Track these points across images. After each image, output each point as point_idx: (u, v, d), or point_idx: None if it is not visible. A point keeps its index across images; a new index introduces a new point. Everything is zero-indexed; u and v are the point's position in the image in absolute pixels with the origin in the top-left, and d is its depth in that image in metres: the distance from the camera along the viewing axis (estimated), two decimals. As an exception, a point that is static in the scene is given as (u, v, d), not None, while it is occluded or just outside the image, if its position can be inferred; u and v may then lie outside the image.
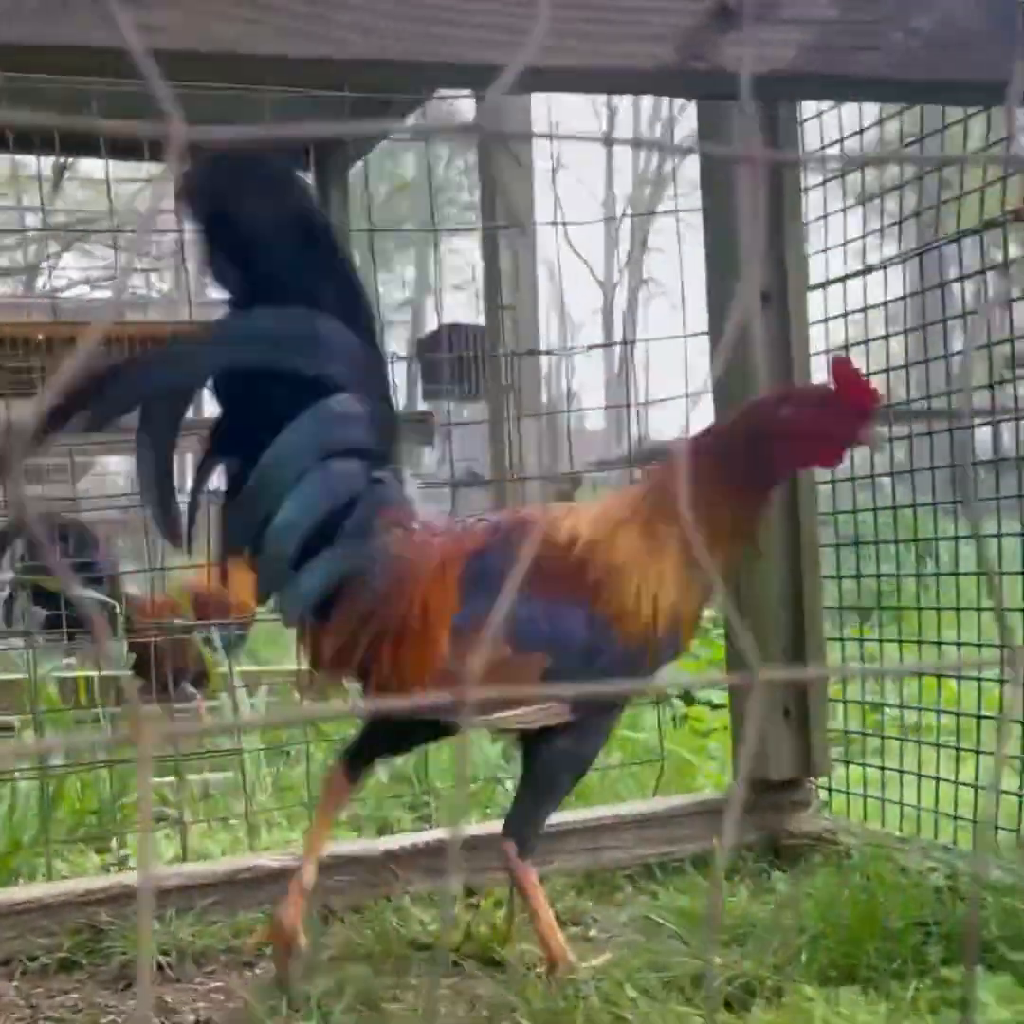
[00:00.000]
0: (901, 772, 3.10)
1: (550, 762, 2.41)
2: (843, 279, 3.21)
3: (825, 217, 3.30)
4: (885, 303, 3.15)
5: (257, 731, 4.28)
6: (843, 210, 3.28)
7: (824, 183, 3.28)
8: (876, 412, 2.41)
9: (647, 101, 31.76)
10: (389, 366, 2.68)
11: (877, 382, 2.73)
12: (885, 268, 3.13)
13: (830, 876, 2.75)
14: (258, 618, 4.88)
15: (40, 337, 6.41)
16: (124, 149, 5.35)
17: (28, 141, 5.01)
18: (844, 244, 3.25)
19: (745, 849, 3.09)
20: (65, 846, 3.36)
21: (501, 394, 5.02)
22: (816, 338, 3.22)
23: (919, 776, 3.02)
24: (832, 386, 2.40)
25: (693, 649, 4.48)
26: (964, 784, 2.88)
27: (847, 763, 3.33)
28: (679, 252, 3.70)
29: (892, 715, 3.66)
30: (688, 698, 4.78)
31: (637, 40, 1.99)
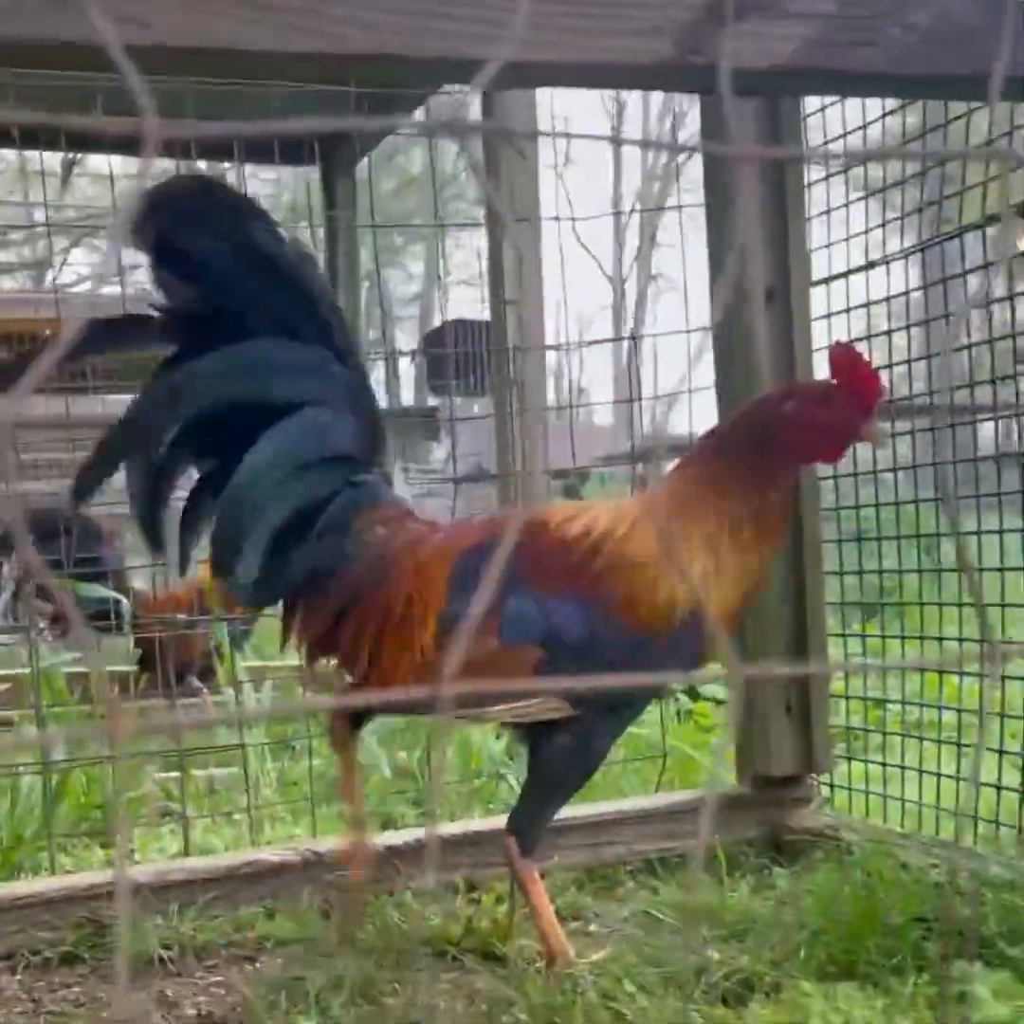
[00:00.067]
0: (903, 768, 3.10)
1: (552, 759, 2.40)
2: (846, 275, 3.21)
3: (828, 212, 3.29)
4: (888, 298, 3.14)
5: (262, 726, 4.29)
6: (846, 205, 3.27)
7: (827, 178, 3.27)
8: (879, 407, 2.40)
9: (656, 96, 31.75)
10: (386, 372, 2.71)
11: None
12: (888, 263, 3.12)
13: (831, 872, 2.75)
14: (263, 614, 4.89)
15: (47, 333, 6.42)
16: (130, 144, 5.35)
17: (34, 137, 5.01)
18: (847, 239, 3.24)
19: (746, 845, 3.10)
20: (69, 840, 3.37)
21: (506, 389, 5.01)
22: (820, 334, 3.22)
23: (921, 772, 3.02)
24: (833, 377, 2.39)
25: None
26: (966, 780, 2.88)
27: (849, 759, 3.33)
28: (682, 248, 3.70)
29: (895, 711, 3.66)
30: (693, 694, 4.78)
31: (634, 35, 1.99)
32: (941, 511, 3.30)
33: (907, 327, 3.14)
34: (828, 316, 3.23)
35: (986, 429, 3.07)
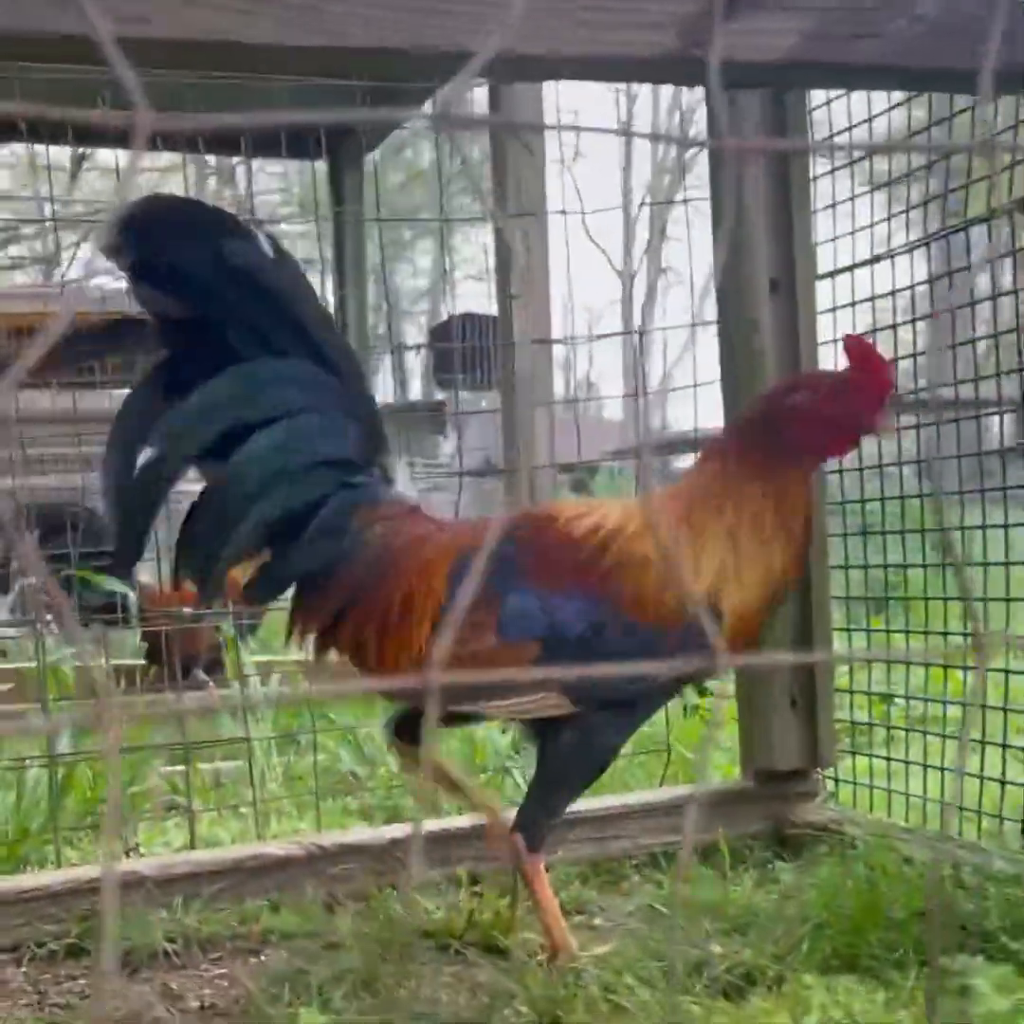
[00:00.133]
0: (907, 763, 3.10)
1: (557, 756, 2.40)
2: (852, 268, 3.20)
3: (834, 205, 3.29)
4: (894, 292, 3.13)
5: (268, 720, 4.30)
6: (852, 199, 3.26)
7: (833, 172, 3.26)
8: (890, 398, 2.38)
9: (666, 90, 31.69)
10: (392, 366, 2.73)
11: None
12: (893, 257, 3.12)
13: (834, 866, 2.75)
14: (270, 608, 4.90)
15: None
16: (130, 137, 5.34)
17: (41, 130, 5.02)
18: (853, 233, 3.23)
19: (750, 839, 3.10)
20: (75, 833, 3.38)
21: (512, 383, 5.00)
22: (826, 327, 3.21)
23: (925, 767, 3.02)
24: (847, 368, 2.37)
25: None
26: (970, 775, 2.88)
27: (854, 753, 3.33)
28: (689, 239, 3.69)
29: (900, 706, 3.65)
30: (700, 688, 4.78)
31: (636, 27, 1.99)
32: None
33: (913, 321, 3.13)
34: (833, 310, 3.22)
35: (993, 423, 3.06)
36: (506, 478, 5.32)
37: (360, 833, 3.09)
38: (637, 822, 3.12)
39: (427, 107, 5.08)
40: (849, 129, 3.23)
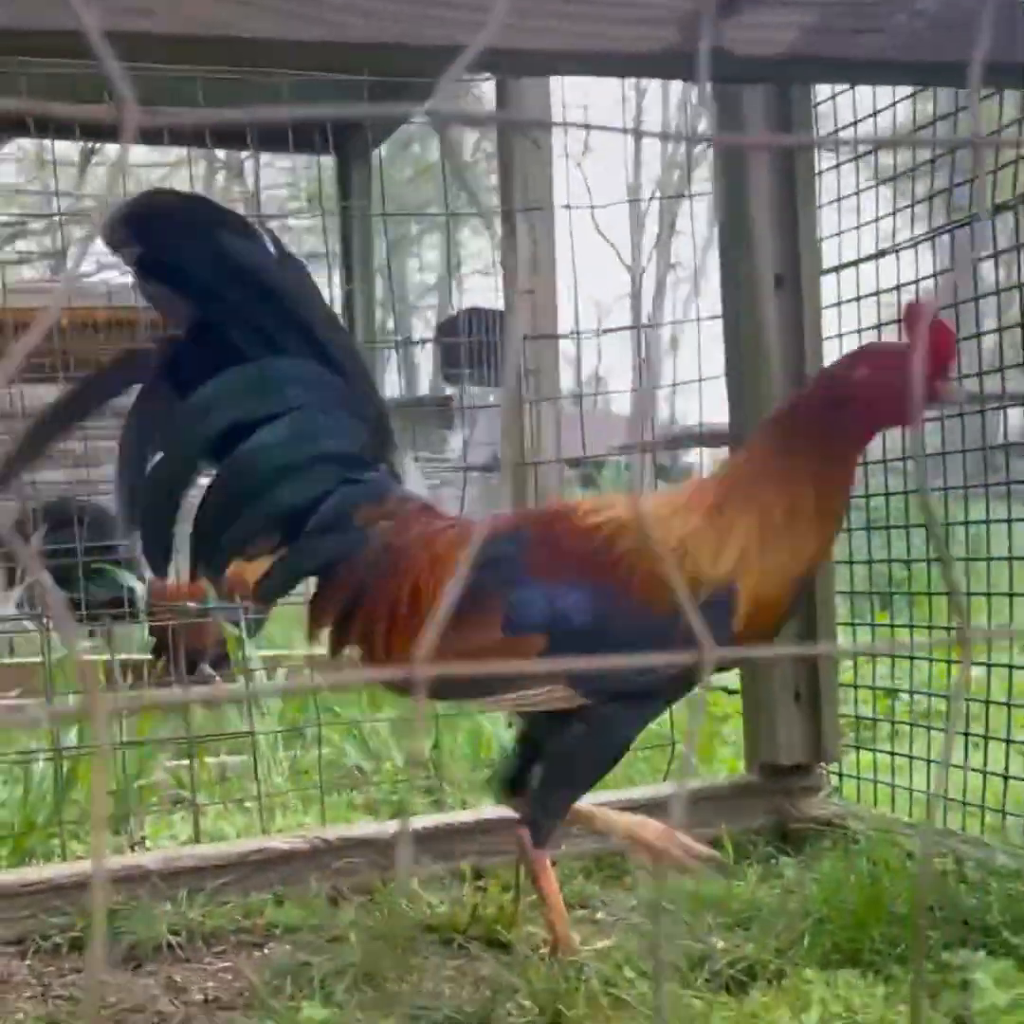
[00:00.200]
0: (911, 758, 3.09)
1: (565, 751, 2.39)
2: (857, 263, 3.20)
3: (840, 200, 3.28)
4: (899, 287, 3.13)
5: (274, 714, 4.31)
6: (857, 193, 3.26)
7: (838, 166, 3.26)
8: (954, 365, 2.34)
9: (676, 83, 31.58)
10: (398, 361, 2.72)
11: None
12: (898, 251, 3.11)
13: (837, 861, 2.75)
14: (277, 603, 4.90)
15: (64, 322, 6.43)
16: (145, 133, 5.36)
17: (49, 126, 5.02)
18: (858, 228, 3.23)
19: (754, 833, 3.10)
20: (80, 827, 3.39)
21: (518, 378, 5.00)
22: (831, 322, 3.21)
23: (928, 761, 3.01)
24: (907, 337, 2.33)
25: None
26: (974, 769, 2.88)
27: (858, 748, 3.32)
28: (693, 233, 3.69)
29: (906, 701, 3.65)
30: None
31: (637, 23, 1.98)
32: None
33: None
34: (838, 305, 3.22)
35: (997, 417, 3.05)
36: (511, 473, 5.31)
37: (364, 827, 3.10)
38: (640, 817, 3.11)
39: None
40: (854, 124, 3.22)
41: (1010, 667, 2.89)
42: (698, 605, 2.17)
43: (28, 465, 2.41)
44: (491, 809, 3.23)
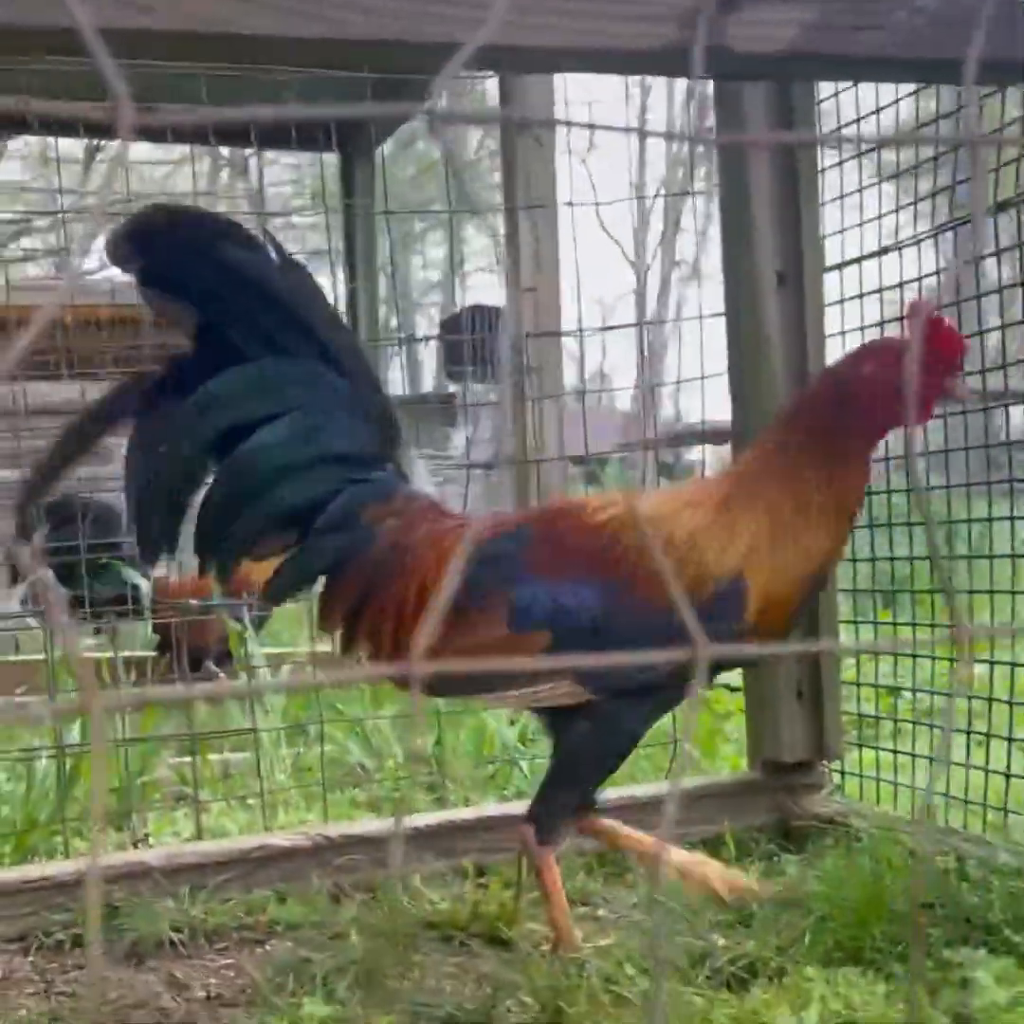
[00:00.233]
0: (913, 756, 3.09)
1: (571, 748, 2.39)
2: (859, 260, 3.19)
3: (842, 197, 3.28)
4: (901, 284, 3.13)
5: (277, 711, 4.31)
6: (860, 191, 3.26)
7: (841, 163, 3.26)
8: (963, 361, 2.32)
9: (681, 79, 31.53)
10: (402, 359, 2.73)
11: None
12: (901, 249, 3.11)
13: (839, 859, 2.75)
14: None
15: (68, 319, 6.44)
16: (149, 130, 5.36)
17: (52, 123, 5.02)
18: (861, 224, 3.22)
19: (756, 831, 3.10)
20: (83, 824, 3.39)
21: (521, 376, 5.00)
22: (834, 320, 3.21)
23: (931, 759, 3.01)
24: (911, 334, 2.31)
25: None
26: (975, 767, 2.87)
27: (860, 746, 3.32)
28: (695, 228, 3.68)
29: (910, 698, 3.65)
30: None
31: (637, 19, 1.98)
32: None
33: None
34: (841, 302, 3.22)
35: (998, 415, 3.04)
36: (514, 470, 5.31)
37: (366, 824, 3.10)
38: (642, 814, 3.11)
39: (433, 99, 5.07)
40: (857, 121, 3.22)
41: (1012, 665, 2.88)
42: (706, 600, 2.23)
43: (50, 487, 2.43)
44: (493, 806, 3.24)
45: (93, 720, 0.68)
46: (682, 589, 2.19)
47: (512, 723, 3.96)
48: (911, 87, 3.03)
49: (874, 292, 3.22)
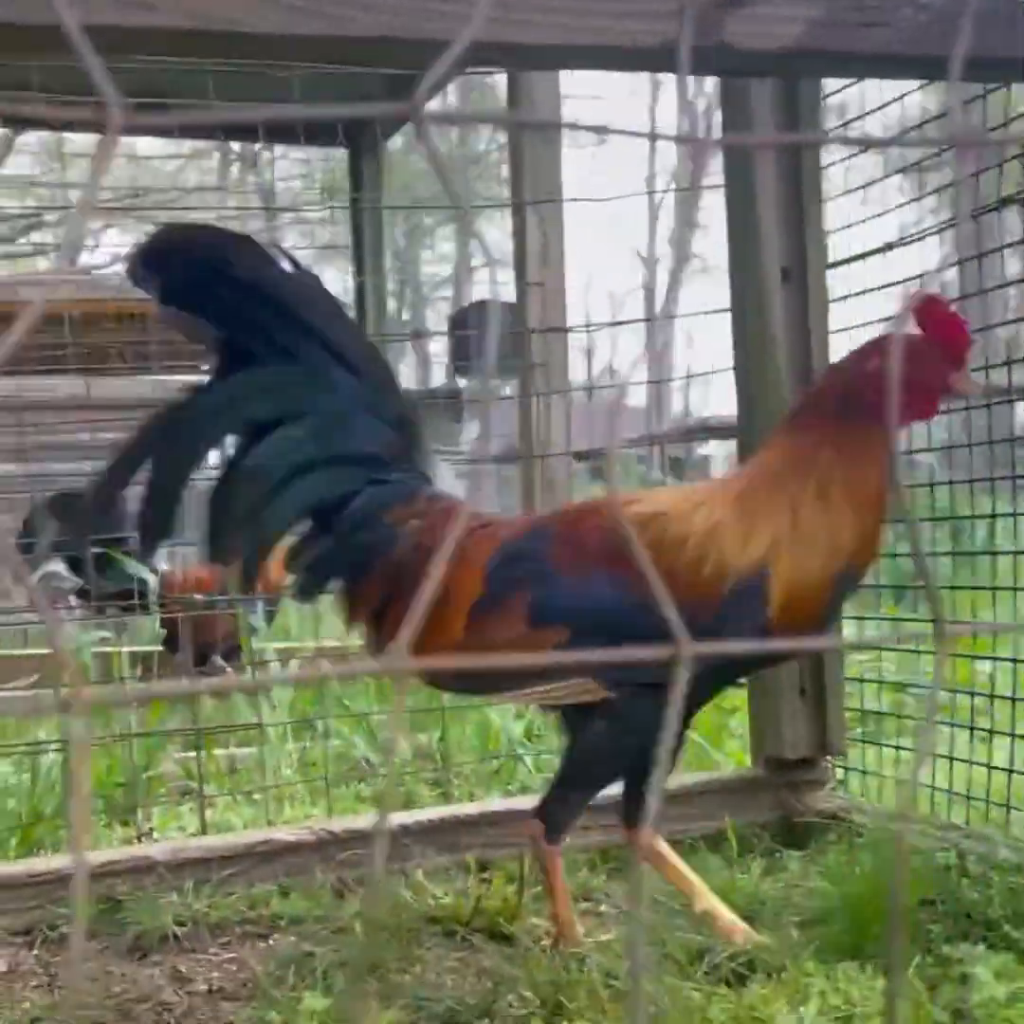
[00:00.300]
0: (916, 752, 3.09)
1: (585, 745, 2.39)
2: (864, 256, 3.19)
3: (848, 193, 3.28)
4: (905, 281, 3.13)
5: (284, 706, 4.32)
6: (864, 187, 3.26)
7: (845, 160, 3.26)
8: (969, 355, 2.29)
9: (690, 79, 31.43)
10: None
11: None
12: (905, 245, 3.11)
13: (841, 855, 2.75)
14: (288, 595, 4.91)
15: (76, 313, 6.44)
16: (150, 128, 5.37)
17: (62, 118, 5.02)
18: (865, 221, 3.22)
19: (759, 827, 3.10)
20: (91, 817, 3.40)
21: (529, 371, 5.00)
22: (839, 316, 3.21)
23: (934, 756, 3.01)
24: (919, 329, 2.27)
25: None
26: (978, 763, 2.87)
27: (863, 742, 3.32)
28: (695, 224, 3.68)
29: (919, 694, 3.64)
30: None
31: (637, 17, 1.98)
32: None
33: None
34: (845, 298, 3.22)
35: (1003, 411, 3.04)
36: (522, 465, 5.31)
37: (369, 819, 3.11)
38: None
39: (440, 96, 5.08)
40: (862, 117, 3.22)
41: (1014, 661, 2.88)
42: (726, 596, 2.23)
43: (107, 512, 2.48)
44: (497, 801, 3.25)
45: (76, 717, 0.68)
46: (699, 589, 2.21)
47: (518, 717, 3.97)
48: (918, 82, 3.02)
49: (879, 288, 3.21)
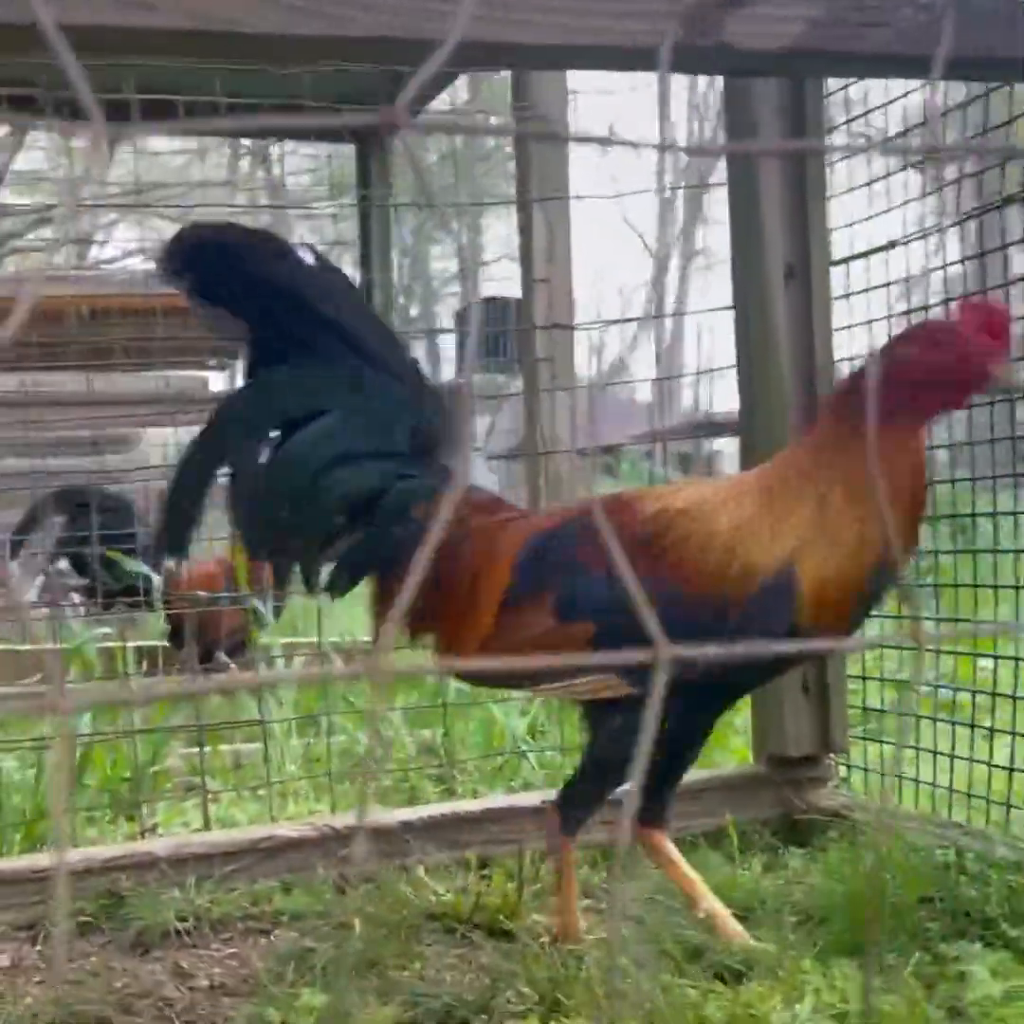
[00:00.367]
0: (918, 749, 3.09)
1: (604, 741, 2.40)
2: (867, 254, 3.19)
3: (851, 190, 3.28)
4: (908, 278, 3.13)
5: (289, 702, 4.33)
6: (868, 184, 3.25)
7: (848, 158, 3.25)
8: (1007, 346, 2.22)
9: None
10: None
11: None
12: (907, 244, 3.11)
13: (842, 852, 2.76)
14: (293, 591, 4.91)
15: (85, 309, 6.45)
16: (157, 124, 5.38)
17: (73, 114, 5.04)
18: (869, 219, 3.22)
19: (761, 824, 3.10)
20: (93, 813, 3.42)
21: (534, 367, 5.01)
22: (842, 313, 3.21)
23: (935, 754, 3.01)
24: (956, 318, 2.24)
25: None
26: (978, 762, 2.88)
27: (866, 740, 3.32)
28: (697, 221, 3.68)
29: (926, 693, 3.64)
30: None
31: (640, 17, 1.99)
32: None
33: (926, 308, 3.12)
34: (848, 296, 3.22)
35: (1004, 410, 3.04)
36: (527, 461, 5.32)
37: (371, 815, 3.11)
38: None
39: (446, 93, 5.09)
40: (865, 114, 3.22)
41: (1016, 659, 2.88)
42: (756, 591, 2.21)
43: (183, 537, 2.50)
44: (499, 798, 3.26)
45: (59, 717, 0.69)
46: (726, 584, 2.20)
47: (522, 714, 3.98)
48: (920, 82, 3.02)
49: (882, 286, 3.21)
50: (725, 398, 3.85)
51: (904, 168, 3.29)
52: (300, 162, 22.58)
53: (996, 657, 3.11)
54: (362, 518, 2.46)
